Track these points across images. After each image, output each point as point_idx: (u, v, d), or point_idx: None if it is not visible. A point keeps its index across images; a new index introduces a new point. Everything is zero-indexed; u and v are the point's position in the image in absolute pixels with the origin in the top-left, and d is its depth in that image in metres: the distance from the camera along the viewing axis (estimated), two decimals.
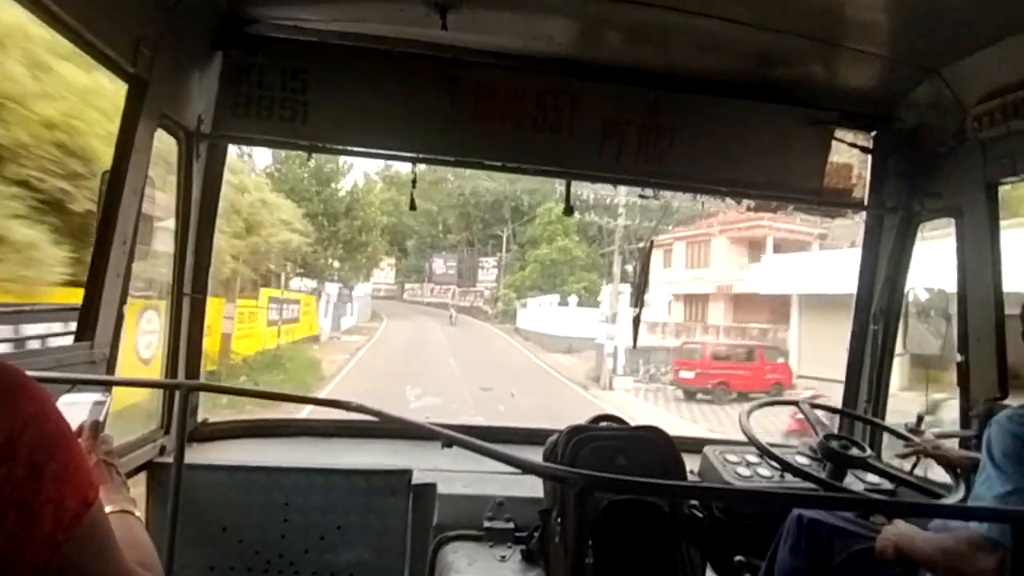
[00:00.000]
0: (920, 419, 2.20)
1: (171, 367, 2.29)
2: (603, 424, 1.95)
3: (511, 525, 1.98)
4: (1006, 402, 2.10)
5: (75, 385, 1.48)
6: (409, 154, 2.42)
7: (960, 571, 1.47)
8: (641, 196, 2.69)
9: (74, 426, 1.06)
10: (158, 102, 1.89)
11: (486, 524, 1.99)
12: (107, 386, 1.68)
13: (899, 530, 1.64)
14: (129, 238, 1.88)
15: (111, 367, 1.89)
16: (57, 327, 4.18)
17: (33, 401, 0.60)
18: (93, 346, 1.79)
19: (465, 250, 50.25)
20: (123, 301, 1.91)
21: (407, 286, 52.99)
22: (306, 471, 2.26)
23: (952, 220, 2.35)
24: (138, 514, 0.96)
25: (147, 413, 2.32)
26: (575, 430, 1.83)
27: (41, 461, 0.58)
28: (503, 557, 1.88)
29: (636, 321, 2.93)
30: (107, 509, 0.92)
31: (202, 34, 2.16)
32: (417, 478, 2.20)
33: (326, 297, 25.66)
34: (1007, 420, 1.44)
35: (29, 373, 0.76)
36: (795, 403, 2.27)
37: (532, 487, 1.89)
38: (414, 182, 2.50)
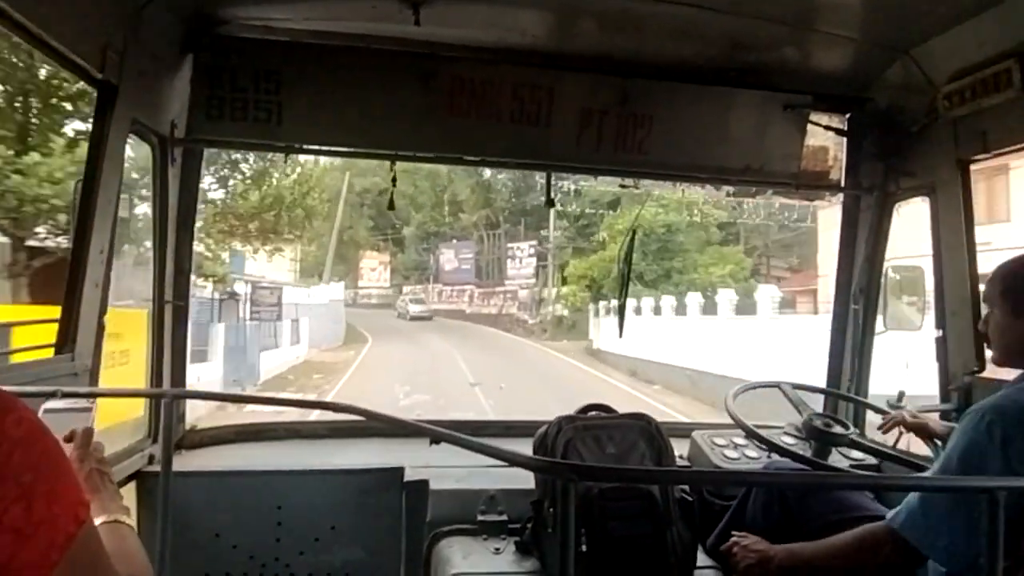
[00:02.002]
0: (901, 395, 2.25)
1: (156, 375, 2.27)
2: (592, 413, 1.96)
3: (504, 518, 2.00)
4: (984, 375, 2.15)
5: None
6: (387, 151, 2.40)
7: (862, 567, 1.57)
8: (622, 186, 2.70)
9: (58, 435, 1.05)
10: (129, 108, 1.86)
11: (479, 518, 2.00)
12: (90, 397, 1.67)
13: (765, 547, 1.70)
14: (106, 247, 1.85)
15: (94, 378, 1.87)
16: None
17: (21, 424, 0.59)
18: (74, 358, 1.77)
19: (486, 235, 37.00)
20: (103, 311, 1.89)
21: (406, 289, 40.86)
22: (298, 473, 2.25)
23: (927, 199, 2.39)
24: (130, 523, 0.96)
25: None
26: (564, 420, 1.84)
27: (31, 483, 0.58)
28: (497, 549, 1.90)
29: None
30: (100, 519, 0.92)
31: (172, 37, 2.12)
32: (409, 475, 2.20)
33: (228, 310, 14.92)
34: (977, 417, 1.46)
35: (9, 388, 0.76)
36: (776, 385, 2.29)
37: (524, 479, 1.90)
38: (394, 180, 2.49)
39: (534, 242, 32.77)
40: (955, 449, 1.49)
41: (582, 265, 27.63)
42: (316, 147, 2.47)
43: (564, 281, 28.91)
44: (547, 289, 30.15)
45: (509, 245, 34.18)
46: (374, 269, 40.97)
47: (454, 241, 39.30)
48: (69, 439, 1.04)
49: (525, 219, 32.64)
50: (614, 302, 20.01)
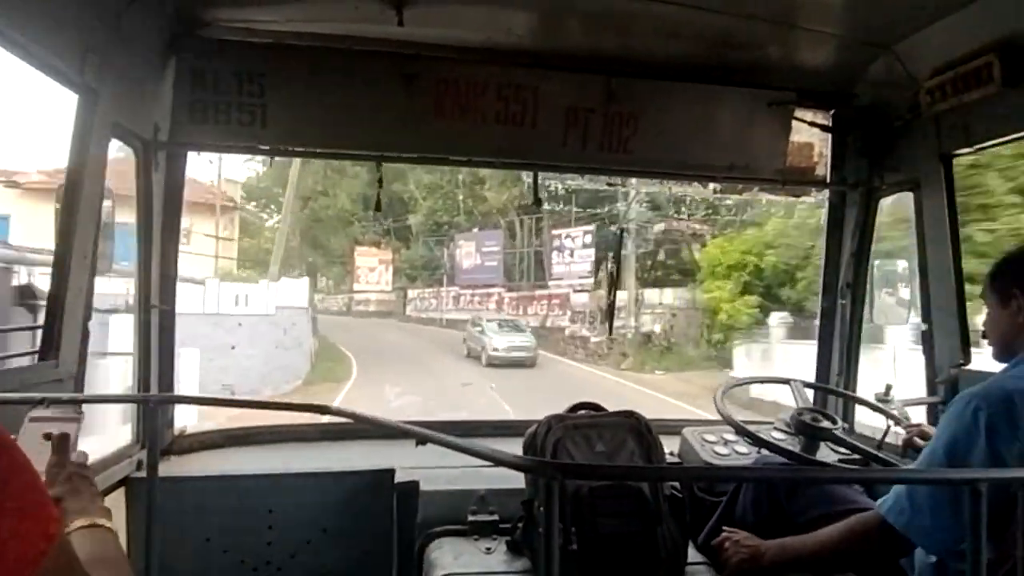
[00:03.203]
0: (888, 388, 2.26)
1: (143, 381, 2.25)
2: (582, 412, 1.97)
3: (495, 518, 2.00)
4: (969, 368, 2.17)
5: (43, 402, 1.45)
6: (372, 153, 2.40)
7: (852, 556, 1.61)
8: (608, 184, 2.71)
9: (44, 445, 1.04)
10: (110, 112, 1.84)
11: (470, 518, 2.00)
12: (75, 403, 1.65)
13: (756, 543, 1.72)
14: (90, 252, 1.84)
15: (79, 384, 1.85)
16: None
17: None
18: (59, 364, 1.75)
19: (520, 222, 27.15)
20: (87, 317, 1.87)
21: (413, 294, 32.96)
22: (288, 476, 2.24)
23: (912, 194, 2.41)
24: (111, 526, 0.94)
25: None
26: (554, 419, 1.84)
27: None
28: (488, 549, 1.90)
29: None
30: (79, 523, 0.91)
31: (154, 39, 2.11)
32: (400, 477, 2.20)
33: None
34: (963, 404, 1.49)
35: None
36: (754, 380, 2.31)
37: (514, 479, 1.90)
38: (380, 181, 2.48)
39: (590, 227, 23.06)
40: (941, 437, 1.51)
41: (735, 245, 17.57)
42: (300, 149, 2.46)
43: (691, 276, 20.38)
44: (617, 292, 18.75)
45: (555, 232, 24.36)
46: (373, 269, 30.94)
47: (475, 231, 29.19)
48: (48, 437, 1.04)
49: (577, 196, 21.68)
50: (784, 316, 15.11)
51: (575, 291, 23.75)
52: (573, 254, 24.20)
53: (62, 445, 1.03)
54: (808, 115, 2.60)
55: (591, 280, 23.07)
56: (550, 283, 25.35)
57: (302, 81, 2.27)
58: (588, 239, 23.55)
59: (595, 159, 2.46)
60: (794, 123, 2.59)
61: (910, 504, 1.48)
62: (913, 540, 1.50)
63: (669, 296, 21.53)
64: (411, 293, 33.33)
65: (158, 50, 2.14)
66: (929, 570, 1.56)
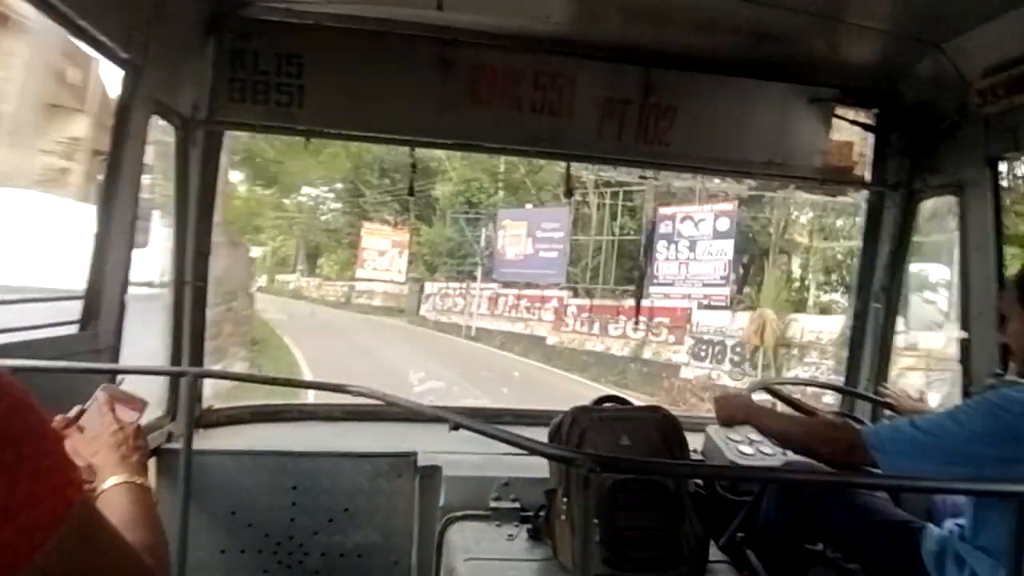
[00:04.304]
0: (921, 396, 2.22)
1: (175, 354, 2.30)
2: (607, 405, 1.96)
3: (517, 505, 2.00)
4: (1007, 378, 2.12)
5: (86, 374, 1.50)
6: (407, 137, 2.40)
7: (814, 449, 1.70)
8: (641, 177, 2.68)
9: (101, 416, 1.08)
10: (152, 88, 1.87)
11: (492, 504, 2.01)
12: (113, 374, 1.69)
13: (744, 402, 1.94)
14: (129, 226, 1.87)
15: (115, 355, 1.89)
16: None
17: (2, 399, 0.56)
18: (97, 335, 1.80)
19: (597, 195, 18.01)
20: (124, 290, 1.91)
21: (432, 288, 24.43)
22: (313, 455, 2.27)
23: (954, 197, 2.34)
24: (146, 483, 0.97)
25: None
26: (580, 411, 1.84)
27: (14, 461, 0.55)
28: (510, 536, 1.90)
29: None
30: (115, 480, 0.94)
31: (195, 19, 2.13)
32: (423, 460, 2.21)
33: None
34: (985, 398, 1.49)
35: (32, 363, 0.75)
36: (785, 382, 2.27)
37: (537, 468, 1.91)
38: (414, 167, 2.49)
39: (729, 206, 15.02)
40: (974, 417, 1.48)
41: None
42: (336, 131, 2.47)
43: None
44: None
45: (664, 212, 15.66)
46: (383, 252, 23.78)
47: (528, 207, 20.84)
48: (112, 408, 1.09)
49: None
50: None
51: (701, 306, 15.16)
52: (695, 247, 15.28)
53: (111, 407, 1.08)
54: (850, 113, 2.54)
55: (729, 289, 15.04)
56: (651, 289, 16.04)
57: (340, 63, 2.28)
58: (724, 224, 14.94)
59: (631, 151, 2.44)
60: (835, 121, 2.53)
61: (895, 445, 1.52)
62: (881, 469, 1.54)
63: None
64: (429, 287, 24.75)
65: (199, 29, 2.16)
66: (933, 558, 1.59)
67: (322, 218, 31.56)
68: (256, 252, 27.77)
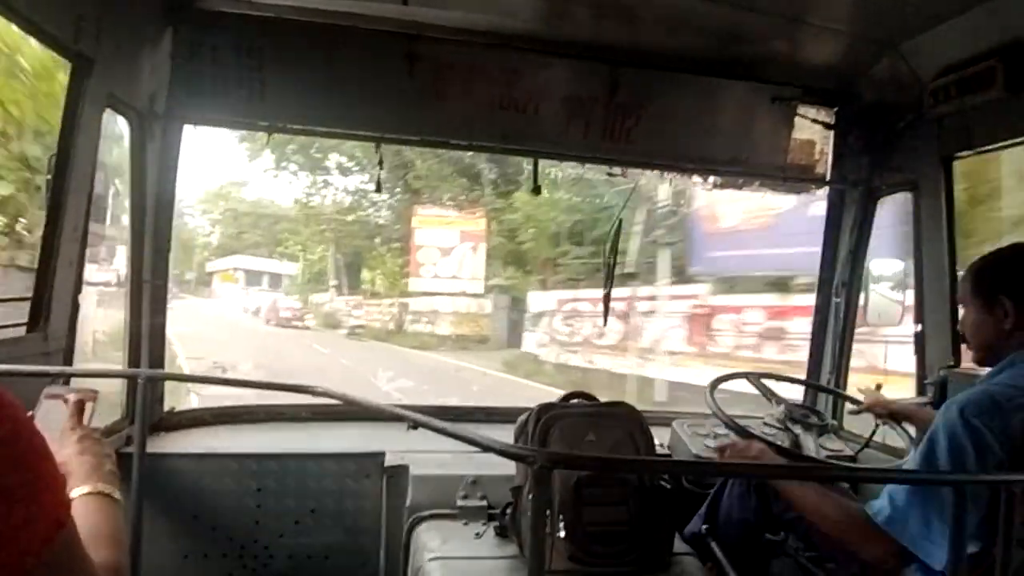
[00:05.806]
0: (879, 387, 2.28)
1: (133, 356, 2.23)
2: (574, 401, 1.96)
3: (484, 503, 2.00)
4: (959, 369, 2.19)
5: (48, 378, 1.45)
6: (372, 133, 2.37)
7: (848, 547, 1.55)
8: (609, 175, 2.69)
9: (55, 419, 1.05)
10: (105, 82, 1.80)
11: (459, 503, 2.01)
12: (64, 377, 1.64)
13: (767, 457, 1.75)
14: (80, 224, 1.81)
15: (67, 357, 1.83)
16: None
17: (4, 422, 0.55)
18: (47, 336, 1.73)
19: None
20: (77, 290, 1.85)
21: (544, 301, 13.89)
22: (277, 456, 2.24)
23: (910, 194, 2.41)
24: (114, 494, 0.93)
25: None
26: (545, 408, 1.84)
27: (12, 485, 0.54)
28: (477, 534, 1.90)
29: None
30: (81, 490, 0.91)
31: (151, 9, 2.06)
32: (389, 460, 2.20)
33: None
34: (957, 412, 1.43)
35: None
36: (746, 375, 2.30)
37: (504, 465, 1.90)
38: (381, 163, 2.46)
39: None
40: (940, 443, 1.44)
41: None
42: (299, 127, 2.42)
43: None
44: None
45: None
46: (448, 251, 15.93)
47: None
48: (65, 402, 1.07)
49: None
50: None
51: None
52: None
53: (77, 410, 1.06)
54: (811, 112, 2.59)
55: None
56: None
57: (303, 57, 2.23)
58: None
59: (597, 148, 2.45)
60: (797, 119, 2.58)
61: (892, 508, 1.45)
62: (897, 538, 1.48)
63: None
64: (537, 299, 14.93)
65: (155, 20, 2.09)
66: None
67: (360, 215, 22.71)
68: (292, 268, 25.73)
